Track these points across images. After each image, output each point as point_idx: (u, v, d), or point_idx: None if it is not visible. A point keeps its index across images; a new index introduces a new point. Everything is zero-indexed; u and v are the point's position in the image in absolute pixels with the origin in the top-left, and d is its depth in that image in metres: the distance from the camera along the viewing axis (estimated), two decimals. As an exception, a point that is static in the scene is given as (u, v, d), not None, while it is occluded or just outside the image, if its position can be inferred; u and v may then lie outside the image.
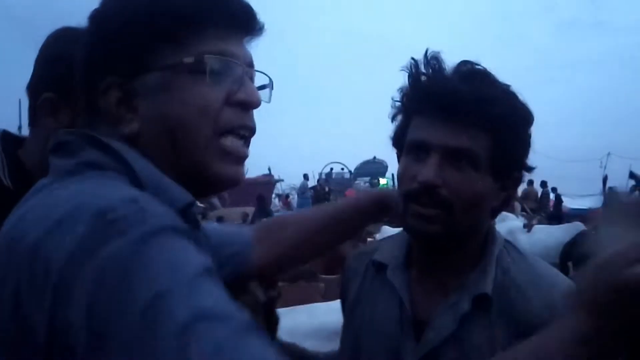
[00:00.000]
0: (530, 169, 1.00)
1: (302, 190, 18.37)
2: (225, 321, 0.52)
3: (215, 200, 14.98)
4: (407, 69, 0.99)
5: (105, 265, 0.51)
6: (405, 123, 0.99)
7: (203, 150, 0.69)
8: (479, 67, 0.96)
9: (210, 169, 0.70)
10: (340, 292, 1.17)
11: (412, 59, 0.99)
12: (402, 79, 1.01)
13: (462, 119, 0.91)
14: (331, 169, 22.71)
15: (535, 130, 0.98)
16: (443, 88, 0.94)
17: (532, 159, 1.00)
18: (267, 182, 18.87)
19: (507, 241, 1.03)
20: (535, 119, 0.97)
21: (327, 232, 1.10)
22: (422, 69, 0.98)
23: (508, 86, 0.96)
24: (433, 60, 0.97)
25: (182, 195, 0.67)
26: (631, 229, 0.67)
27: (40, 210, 0.59)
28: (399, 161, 1.04)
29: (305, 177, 19.01)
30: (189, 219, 0.68)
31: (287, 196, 20.59)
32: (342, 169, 21.45)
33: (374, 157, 24.14)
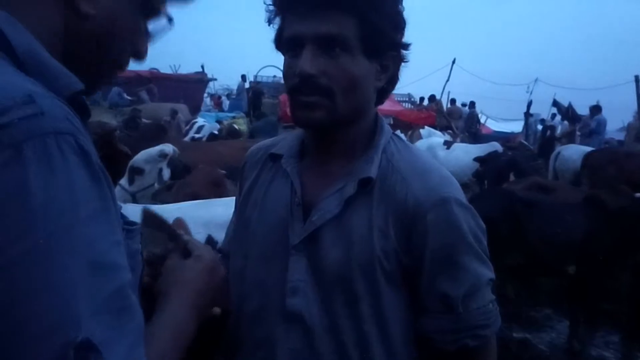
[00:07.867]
0: (406, 46, 1.05)
1: (239, 91, 17.88)
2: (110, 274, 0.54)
3: (143, 94, 14.43)
4: None
5: None
6: (282, 24, 1.02)
7: None
8: None
9: None
10: (239, 185, 1.22)
11: None
12: None
13: (327, 6, 0.95)
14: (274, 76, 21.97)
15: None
16: None
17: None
18: (200, 80, 18.21)
19: (394, 134, 1.10)
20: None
21: None
22: None
23: None
24: None
25: (71, 81, 0.62)
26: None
27: None
28: None
29: (243, 78, 18.43)
30: (79, 107, 0.63)
31: (220, 97, 20.08)
32: (274, 76, 20.64)
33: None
